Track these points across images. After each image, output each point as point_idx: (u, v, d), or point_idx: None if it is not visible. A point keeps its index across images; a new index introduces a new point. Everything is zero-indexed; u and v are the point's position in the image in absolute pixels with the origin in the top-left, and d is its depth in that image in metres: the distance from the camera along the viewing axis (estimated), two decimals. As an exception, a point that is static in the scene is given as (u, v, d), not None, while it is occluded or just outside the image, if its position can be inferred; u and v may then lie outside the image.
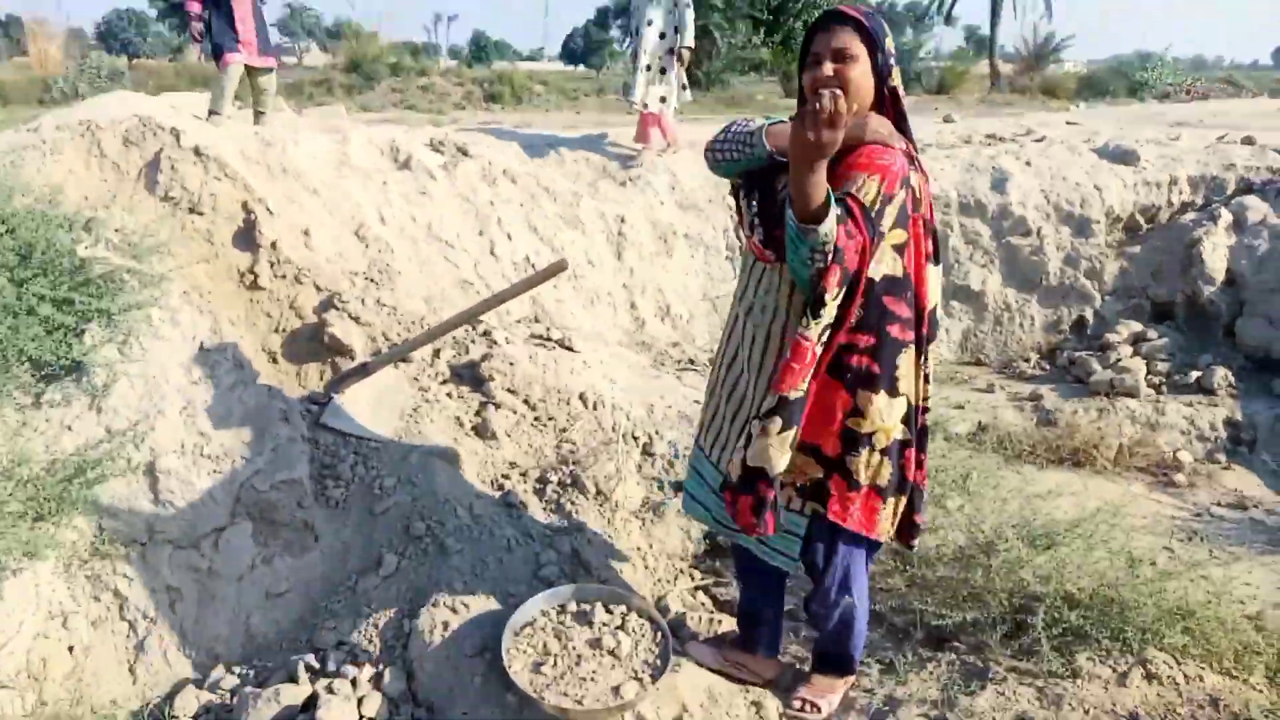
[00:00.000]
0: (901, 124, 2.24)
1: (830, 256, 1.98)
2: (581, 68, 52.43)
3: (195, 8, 5.32)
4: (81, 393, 3.07)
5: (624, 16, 30.94)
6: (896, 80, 2.20)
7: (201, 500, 3.10)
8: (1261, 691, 2.97)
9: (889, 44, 2.16)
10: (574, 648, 2.72)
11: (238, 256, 4.22)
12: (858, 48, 2.08)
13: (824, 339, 2.15)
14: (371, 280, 4.52)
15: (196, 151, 4.26)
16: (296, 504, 3.23)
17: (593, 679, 2.60)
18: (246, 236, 4.26)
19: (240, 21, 5.16)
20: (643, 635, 2.81)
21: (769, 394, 2.20)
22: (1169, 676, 2.96)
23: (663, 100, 6.17)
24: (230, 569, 3.08)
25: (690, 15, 6.07)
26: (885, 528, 2.43)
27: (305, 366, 4.10)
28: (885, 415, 2.28)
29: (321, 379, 4.08)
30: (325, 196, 4.78)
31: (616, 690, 2.58)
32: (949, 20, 39.65)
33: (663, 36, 6.03)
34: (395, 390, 3.91)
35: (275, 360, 4.06)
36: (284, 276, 4.31)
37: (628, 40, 6.13)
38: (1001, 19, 35.65)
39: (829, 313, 2.09)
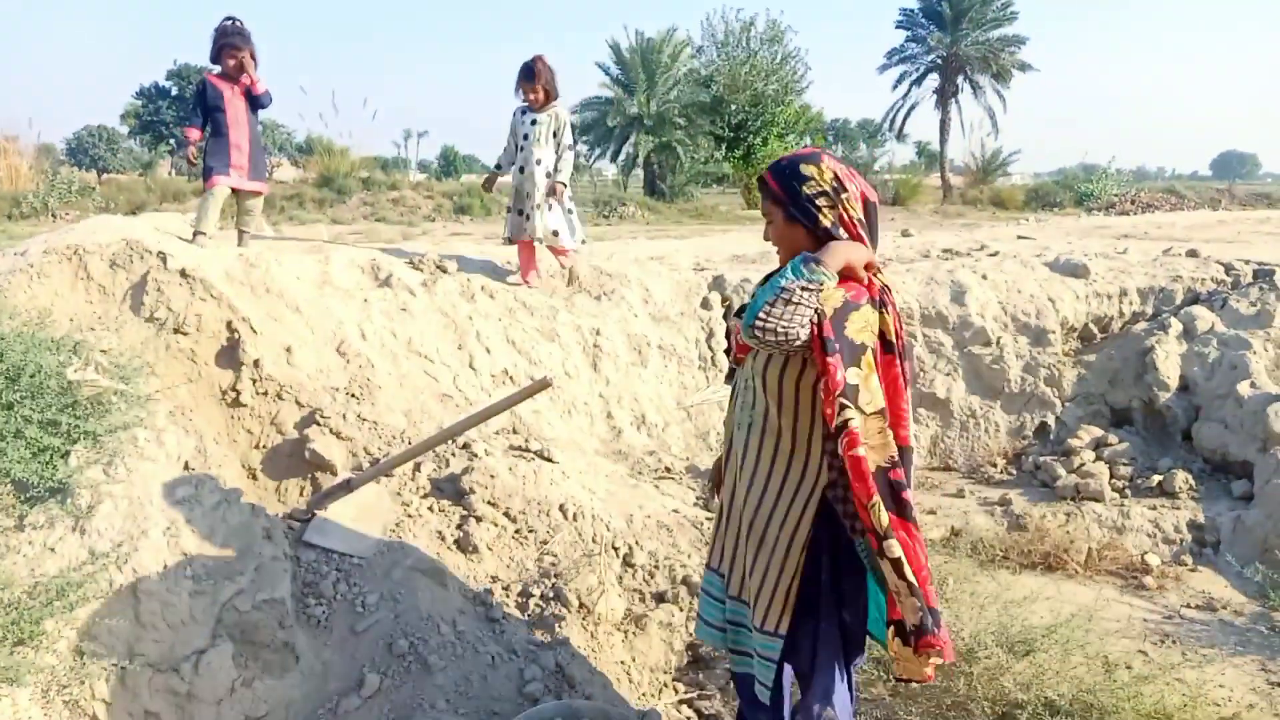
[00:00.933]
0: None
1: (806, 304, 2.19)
2: (548, 181, 53.79)
3: (195, 134, 5.41)
4: (65, 514, 3.06)
5: (589, 134, 32.09)
6: (827, 221, 2.35)
7: (183, 622, 3.07)
8: (1243, 797, 3.00)
9: (806, 190, 2.33)
10: None
11: (220, 375, 4.27)
12: (774, 209, 2.42)
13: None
14: (353, 395, 4.58)
15: (183, 273, 4.35)
16: (278, 624, 3.20)
17: None
18: (230, 355, 4.32)
19: (235, 147, 5.29)
20: None
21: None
22: (1149, 783, 2.98)
23: (555, 234, 5.99)
24: (210, 692, 3.03)
25: (570, 157, 6.04)
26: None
27: (286, 482, 4.11)
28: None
29: (302, 494, 4.09)
30: (307, 314, 4.88)
31: None
32: (900, 136, 41.57)
33: (547, 175, 5.91)
34: (377, 506, 3.93)
35: (256, 477, 4.07)
36: (265, 393, 4.35)
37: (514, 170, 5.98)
38: (950, 135, 37.50)
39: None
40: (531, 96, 5.74)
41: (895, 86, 38.44)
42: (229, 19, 5.32)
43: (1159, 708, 3.24)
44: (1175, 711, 3.25)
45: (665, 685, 3.78)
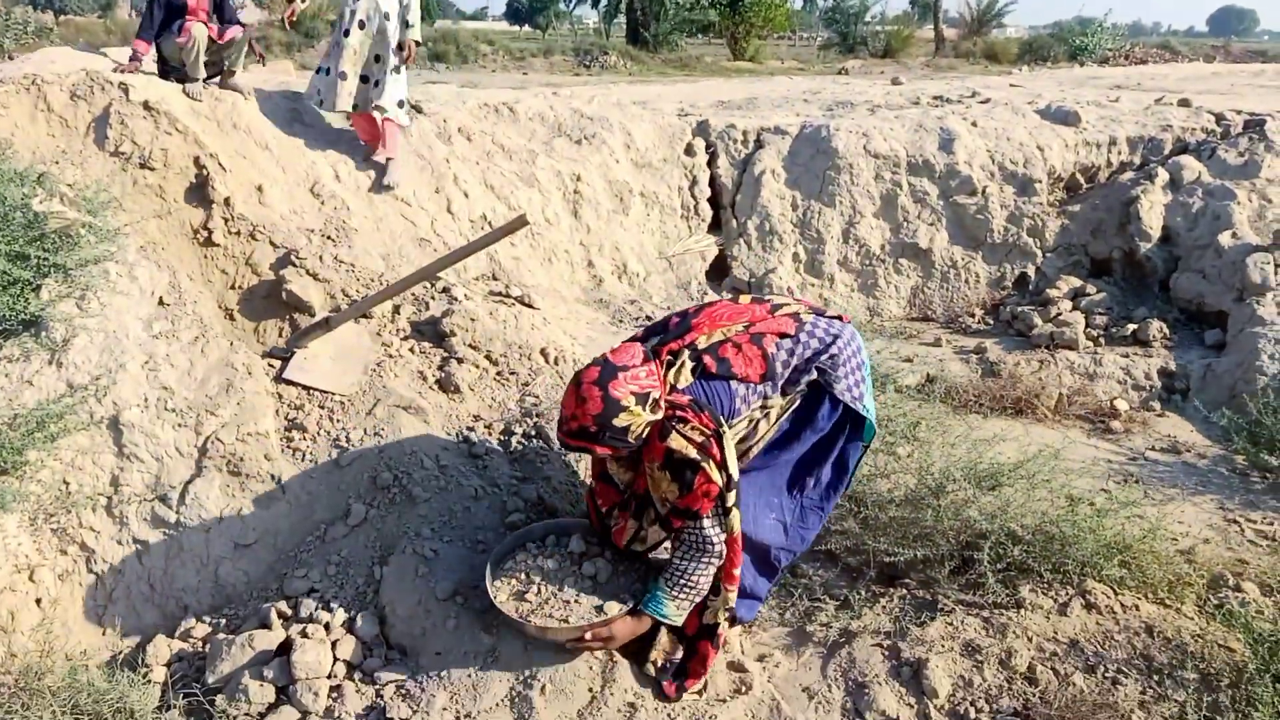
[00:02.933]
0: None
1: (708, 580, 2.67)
2: (527, 28, 51.65)
3: (143, 48, 4.61)
4: (40, 348, 3.04)
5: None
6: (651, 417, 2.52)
7: (167, 453, 3.10)
8: (1192, 619, 3.17)
9: (618, 423, 2.44)
10: (556, 576, 2.79)
11: (191, 213, 4.17)
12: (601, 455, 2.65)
13: None
14: (328, 238, 4.49)
15: (146, 106, 4.18)
16: (263, 456, 3.25)
17: (576, 603, 2.69)
18: (199, 192, 4.20)
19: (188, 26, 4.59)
20: (621, 562, 2.88)
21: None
22: (1107, 606, 3.14)
23: (400, 104, 5.00)
24: (197, 521, 3.10)
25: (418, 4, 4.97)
26: None
27: (264, 323, 4.08)
28: None
29: (280, 335, 4.07)
30: (278, 153, 4.73)
31: (600, 610, 2.67)
32: (894, -16, 39.81)
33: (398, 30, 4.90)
34: (358, 346, 3.92)
35: (233, 317, 4.03)
36: (238, 233, 4.26)
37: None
38: (946, -17, 35.90)
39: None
40: None
41: (891, -71, 36.54)
42: None
43: (1118, 538, 3.37)
44: (1134, 543, 3.39)
45: (644, 519, 3.89)
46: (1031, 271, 6.23)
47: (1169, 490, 4.27)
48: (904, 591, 3.28)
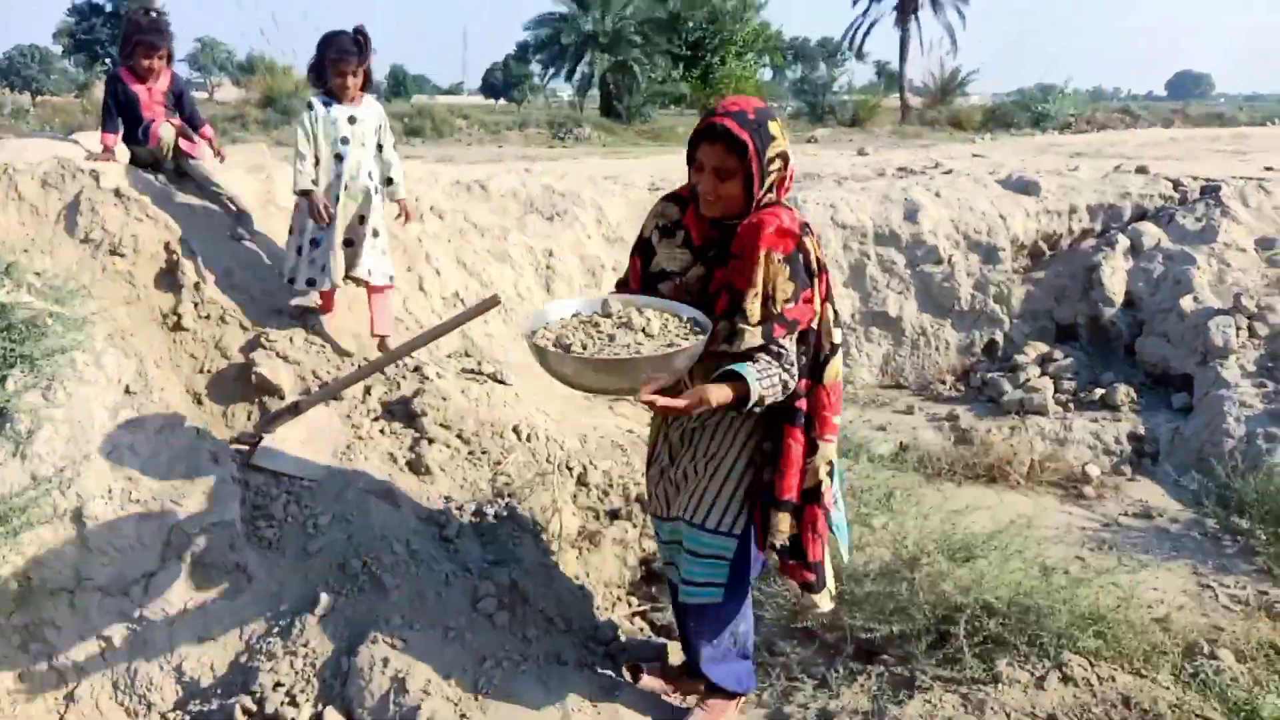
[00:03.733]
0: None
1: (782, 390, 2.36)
2: (502, 101, 52.63)
3: (110, 140, 4.49)
4: (5, 439, 3.00)
5: (542, 52, 31.15)
6: (769, 188, 2.36)
7: (131, 545, 3.05)
8: (1168, 689, 3.16)
9: (771, 150, 2.30)
10: (605, 332, 2.32)
11: (161, 298, 4.16)
12: (734, 164, 2.27)
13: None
14: (298, 319, 4.50)
15: (117, 193, 4.20)
16: (228, 545, 3.20)
17: (635, 348, 2.23)
18: (169, 277, 4.21)
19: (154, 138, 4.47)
20: (672, 318, 2.40)
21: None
22: (1084, 678, 3.13)
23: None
24: (162, 614, 3.03)
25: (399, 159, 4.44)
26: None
27: (233, 407, 4.05)
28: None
29: (250, 419, 4.04)
30: (250, 235, 4.75)
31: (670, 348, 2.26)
32: (860, 55, 41.17)
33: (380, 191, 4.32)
34: (327, 428, 3.89)
35: (201, 402, 4.01)
36: (208, 316, 4.26)
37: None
38: (909, 54, 37.20)
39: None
40: (352, 82, 3.99)
41: (855, 3, 37.89)
42: (145, 9, 4.52)
43: (1093, 609, 3.37)
44: (1109, 612, 3.39)
45: (619, 599, 3.86)
46: (1000, 338, 6.33)
47: (1143, 556, 4.29)
48: (882, 668, 3.25)
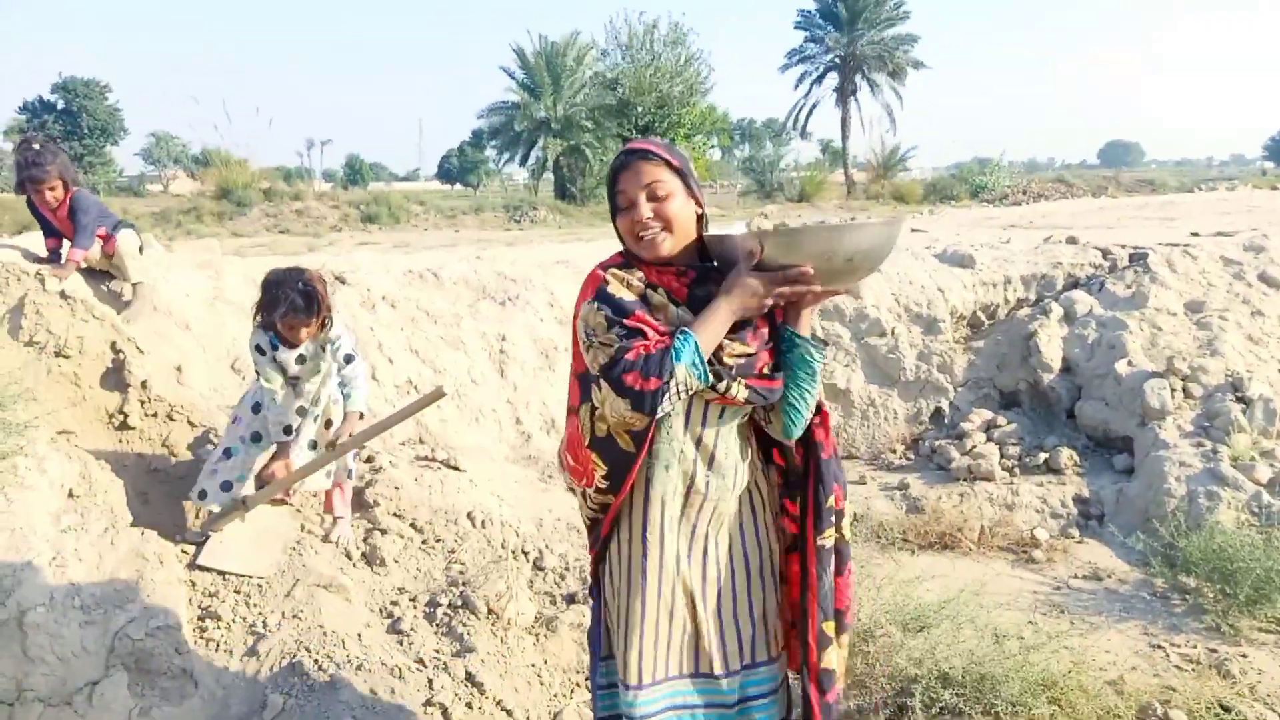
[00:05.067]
0: None
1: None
2: (459, 186, 53.30)
3: (53, 244, 4.52)
4: (-60, 550, 2.94)
5: (496, 138, 31.71)
6: (703, 207, 2.14)
7: (73, 653, 2.97)
8: (1124, 752, 3.18)
9: (692, 168, 2.11)
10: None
11: (107, 397, 4.14)
12: (671, 181, 2.01)
13: None
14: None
15: (62, 295, 4.21)
16: (174, 650, 3.13)
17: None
18: (115, 376, 4.19)
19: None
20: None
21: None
22: (1038, 745, 3.14)
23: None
24: (104, 725, 2.94)
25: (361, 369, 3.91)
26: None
27: (181, 505, 4.01)
28: None
29: (198, 516, 3.99)
30: (198, 332, 4.76)
31: None
32: (804, 134, 42.48)
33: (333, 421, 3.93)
34: (276, 524, 3.86)
35: (148, 501, 3.95)
36: (155, 415, 4.24)
37: None
38: (851, 132, 38.51)
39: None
40: (305, 335, 3.63)
41: (797, 85, 39.34)
42: (25, 142, 4.45)
43: (1046, 675, 3.41)
44: (1061, 678, 3.43)
45: (577, 685, 3.81)
46: (945, 405, 6.47)
47: (1094, 619, 4.34)
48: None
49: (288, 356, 3.72)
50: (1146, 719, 3.45)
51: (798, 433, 2.14)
